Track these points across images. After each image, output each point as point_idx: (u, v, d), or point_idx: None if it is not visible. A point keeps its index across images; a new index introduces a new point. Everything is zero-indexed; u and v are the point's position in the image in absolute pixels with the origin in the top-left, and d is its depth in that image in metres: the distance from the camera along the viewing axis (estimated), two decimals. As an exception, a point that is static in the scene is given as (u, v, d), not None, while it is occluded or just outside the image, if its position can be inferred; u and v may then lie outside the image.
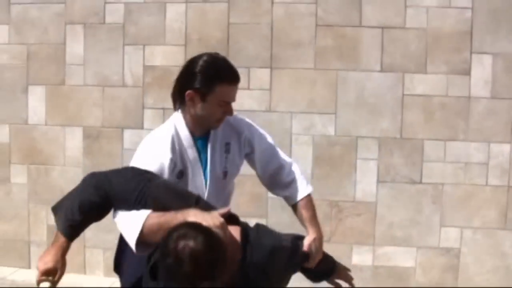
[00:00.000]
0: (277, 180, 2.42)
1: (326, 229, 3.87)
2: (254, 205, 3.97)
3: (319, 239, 2.38)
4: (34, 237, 4.29)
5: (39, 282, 1.89)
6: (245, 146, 2.35)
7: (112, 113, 4.08)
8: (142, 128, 4.05)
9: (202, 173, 2.22)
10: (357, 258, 3.91)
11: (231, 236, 1.85)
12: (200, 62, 2.12)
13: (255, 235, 1.95)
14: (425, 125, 3.77)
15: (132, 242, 1.88)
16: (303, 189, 2.42)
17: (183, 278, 1.62)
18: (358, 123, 3.81)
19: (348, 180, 3.85)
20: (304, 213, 2.45)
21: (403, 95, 3.76)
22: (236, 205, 3.95)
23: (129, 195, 1.90)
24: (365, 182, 3.84)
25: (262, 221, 3.94)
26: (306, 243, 2.29)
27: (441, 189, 3.80)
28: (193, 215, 1.79)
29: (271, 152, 2.40)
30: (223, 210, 1.89)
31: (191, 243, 1.62)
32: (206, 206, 1.89)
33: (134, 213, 1.89)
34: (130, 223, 1.89)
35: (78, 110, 4.13)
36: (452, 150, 3.77)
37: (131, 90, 4.05)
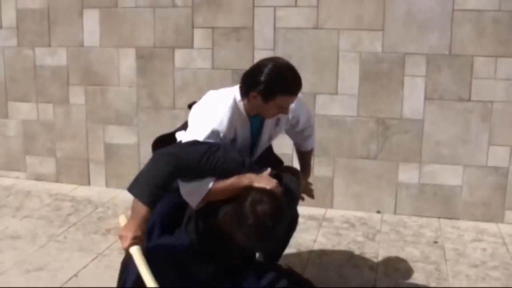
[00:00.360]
0: (300, 135, 2.93)
1: (372, 146, 3.93)
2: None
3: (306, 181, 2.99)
4: (92, 156, 4.52)
5: (130, 246, 2.08)
6: (293, 119, 2.74)
7: (163, 33, 4.19)
8: (192, 47, 4.15)
9: (249, 145, 2.56)
10: (403, 176, 3.95)
11: (281, 194, 2.26)
12: (266, 71, 2.36)
13: (289, 186, 2.41)
14: (476, 41, 3.70)
15: (196, 200, 2.26)
16: (313, 143, 3.02)
17: (264, 235, 2.08)
18: (406, 40, 3.77)
19: (395, 97, 3.85)
20: (306, 158, 3.06)
21: (453, 10, 3.69)
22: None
23: (198, 167, 2.20)
24: (413, 99, 3.83)
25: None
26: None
27: (490, 107, 3.75)
28: (255, 180, 2.21)
29: (310, 124, 2.92)
30: (268, 172, 2.30)
31: (267, 206, 2.07)
32: (255, 169, 2.30)
33: (199, 180, 2.24)
34: (196, 186, 2.24)
35: (131, 31, 4.25)
36: (503, 67, 3.70)
37: (181, 11, 4.13)
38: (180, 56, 4.18)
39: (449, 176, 3.88)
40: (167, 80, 4.25)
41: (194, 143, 2.27)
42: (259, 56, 4.02)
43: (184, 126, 2.62)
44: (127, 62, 4.30)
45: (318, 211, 4.04)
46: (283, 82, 2.39)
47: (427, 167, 3.90)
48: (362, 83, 3.89)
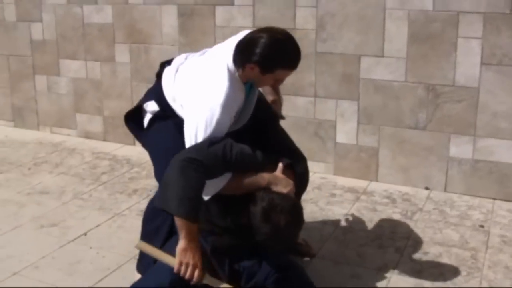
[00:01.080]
0: None
1: (421, 115, 3.56)
2: (344, 87, 3.73)
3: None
4: (137, 115, 4.47)
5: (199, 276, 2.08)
6: None
7: (203, -11, 4.01)
8: (232, 4, 3.94)
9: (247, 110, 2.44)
10: (455, 150, 3.54)
11: (294, 189, 2.28)
12: (266, 42, 2.21)
13: (301, 175, 2.44)
14: (545, -2, 3.19)
15: (211, 192, 2.21)
16: None
17: (279, 242, 2.12)
18: (462, -4, 3.33)
19: (447, 61, 3.43)
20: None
21: (520, -39, 3.20)
22: (325, 86, 3.78)
23: (220, 168, 2.16)
24: (467, 64, 3.39)
25: (353, 104, 3.73)
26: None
27: (560, 75, 3.25)
28: (273, 182, 2.21)
29: None
30: (281, 167, 2.28)
31: (284, 217, 2.08)
32: (267, 161, 2.27)
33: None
34: (211, 182, 2.16)
35: (172, -13, 4.12)
36: None
37: (222, -35, 3.93)
38: (220, 13, 3.99)
39: (508, 152, 3.42)
40: (208, 38, 4.08)
41: (211, 143, 2.16)
42: (300, 14, 3.76)
43: (150, 96, 2.48)
44: (169, 19, 4.17)
45: (360, 183, 3.74)
46: (283, 55, 2.26)
47: (482, 142, 3.46)
48: (411, 45, 3.50)
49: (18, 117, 5.00)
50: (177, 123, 2.33)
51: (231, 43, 2.34)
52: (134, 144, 4.52)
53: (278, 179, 2.23)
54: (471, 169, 3.52)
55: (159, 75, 2.52)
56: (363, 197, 3.56)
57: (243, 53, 2.25)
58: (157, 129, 2.45)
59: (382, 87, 3.64)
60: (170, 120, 2.40)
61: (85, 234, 3.03)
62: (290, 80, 3.87)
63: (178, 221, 2.04)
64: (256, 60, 2.21)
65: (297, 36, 3.77)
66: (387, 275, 2.66)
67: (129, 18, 4.31)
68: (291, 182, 2.26)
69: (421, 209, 3.38)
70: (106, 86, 4.53)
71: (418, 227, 3.14)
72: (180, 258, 2.05)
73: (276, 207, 2.08)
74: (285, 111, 3.87)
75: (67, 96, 4.72)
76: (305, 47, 3.77)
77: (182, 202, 2.02)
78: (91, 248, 2.87)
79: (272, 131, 2.55)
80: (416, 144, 3.64)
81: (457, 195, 3.57)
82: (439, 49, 3.43)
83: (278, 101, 2.76)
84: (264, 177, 2.21)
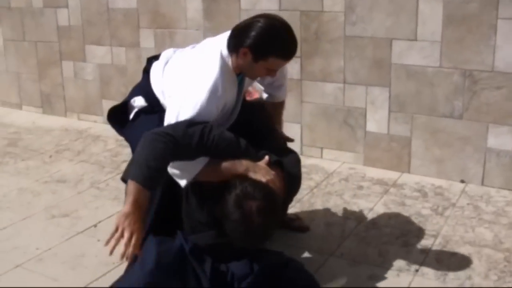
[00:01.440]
0: (270, 85, 2.64)
1: (457, 103, 3.30)
2: (375, 72, 3.50)
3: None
4: (163, 102, 4.36)
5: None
6: None
7: (226, -30, 3.83)
8: (257, -13, 3.75)
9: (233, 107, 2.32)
10: (493, 141, 3.26)
11: (280, 185, 2.10)
12: (263, 26, 2.14)
13: (291, 173, 2.26)
14: None
15: (186, 178, 2.07)
16: (284, 93, 2.73)
17: (249, 232, 1.90)
18: (502, -28, 3.04)
19: (486, 45, 3.15)
20: (278, 109, 2.76)
21: None
22: (355, 72, 3.56)
23: (193, 148, 2.00)
24: (507, 48, 3.09)
25: (384, 91, 3.49)
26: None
27: None
28: (251, 170, 2.04)
29: (283, 74, 2.61)
30: (266, 160, 2.12)
31: (257, 203, 1.89)
32: (252, 152, 2.13)
33: (191, 161, 2.05)
34: (187, 166, 2.05)
35: (196, -30, 3.96)
36: None
37: None
38: (245, -4, 3.81)
39: (552, 144, 3.14)
40: (232, 21, 3.88)
41: (190, 124, 2.04)
42: (328, -5, 3.54)
43: (137, 92, 2.37)
44: (194, 4, 4.02)
45: (390, 175, 3.52)
46: (279, 42, 2.17)
47: (523, 132, 3.18)
48: (446, 28, 3.23)
49: (47, 104, 4.97)
50: (163, 117, 2.19)
51: (223, 37, 2.26)
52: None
53: (258, 167, 2.08)
54: (511, 162, 3.24)
55: (146, 70, 2.43)
56: (392, 190, 3.33)
57: (238, 37, 2.16)
58: (141, 122, 2.33)
59: (415, 73, 3.39)
60: (156, 115, 2.28)
61: (95, 225, 2.93)
62: (318, 66, 3.67)
63: (130, 185, 1.86)
64: (250, 44, 2.12)
65: (325, 19, 3.60)
66: (408, 277, 2.44)
67: (153, 3, 4.18)
68: (272, 172, 2.09)
69: (454, 204, 3.13)
70: (131, 72, 4.42)
71: (448, 224, 2.90)
72: (118, 222, 1.83)
73: (249, 194, 1.91)
74: (312, 97, 3.71)
75: (93, 82, 4.65)
76: (333, 31, 3.57)
77: (139, 168, 1.88)
78: (98, 240, 2.77)
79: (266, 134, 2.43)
80: (452, 134, 3.38)
81: (495, 189, 3.29)
82: (476, 32, 3.15)
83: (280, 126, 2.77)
84: (242, 164, 2.06)
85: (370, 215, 3.02)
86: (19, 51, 4.97)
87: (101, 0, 4.39)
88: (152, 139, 1.95)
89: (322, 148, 3.78)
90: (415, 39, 3.34)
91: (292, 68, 3.68)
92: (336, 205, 3.14)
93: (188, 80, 2.15)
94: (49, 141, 4.27)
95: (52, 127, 4.60)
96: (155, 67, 2.40)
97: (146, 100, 2.36)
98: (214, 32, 4.10)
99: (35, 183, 3.49)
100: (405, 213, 3.03)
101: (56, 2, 4.62)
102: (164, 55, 2.43)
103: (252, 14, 3.78)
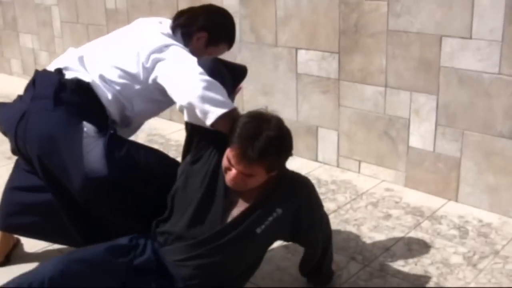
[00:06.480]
0: None
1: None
2: (421, 76, 2.87)
3: None
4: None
5: None
6: None
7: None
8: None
9: None
10: None
11: None
12: (225, 15, 2.32)
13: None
14: None
15: (226, 108, 1.92)
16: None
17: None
18: None
19: (556, 48, 2.40)
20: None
21: None
22: (398, 74, 2.97)
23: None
24: None
25: (431, 100, 2.85)
26: None
27: None
28: None
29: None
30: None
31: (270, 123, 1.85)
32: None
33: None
34: (222, 98, 1.95)
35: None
36: None
37: None
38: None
39: None
40: (268, 9, 3.42)
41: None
42: (365, -20, 2.93)
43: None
44: (230, -12, 3.60)
45: (432, 202, 2.91)
46: (232, 29, 2.33)
47: None
48: (508, 24, 2.51)
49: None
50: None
51: (154, 21, 2.32)
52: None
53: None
54: None
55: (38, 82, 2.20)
56: (425, 223, 2.72)
57: (193, 20, 2.22)
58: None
59: (468, 80, 2.71)
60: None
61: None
62: (358, 65, 3.09)
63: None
64: (209, 27, 2.22)
65: (365, 8, 3.00)
66: None
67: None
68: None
69: (496, 253, 2.46)
70: (171, 60, 4.12)
71: (478, 282, 2.26)
72: None
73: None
74: (351, 101, 3.15)
75: (138, 69, 4.41)
76: (375, 23, 2.97)
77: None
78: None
79: None
80: (510, 159, 2.67)
81: (562, 236, 2.56)
82: (544, 30, 2.41)
83: None
84: None
85: (382, 258, 2.45)
86: (74, 34, 4.86)
87: (143, -18, 4.11)
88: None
89: (360, 162, 3.21)
90: (470, 37, 2.65)
91: (329, 65, 3.14)
92: (347, 238, 2.61)
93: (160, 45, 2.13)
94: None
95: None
96: (72, 64, 2.19)
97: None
98: (250, 20, 3.68)
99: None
100: (427, 260, 2.43)
101: (104, -16, 4.42)
102: (67, 58, 2.23)
103: (289, 1, 3.32)
